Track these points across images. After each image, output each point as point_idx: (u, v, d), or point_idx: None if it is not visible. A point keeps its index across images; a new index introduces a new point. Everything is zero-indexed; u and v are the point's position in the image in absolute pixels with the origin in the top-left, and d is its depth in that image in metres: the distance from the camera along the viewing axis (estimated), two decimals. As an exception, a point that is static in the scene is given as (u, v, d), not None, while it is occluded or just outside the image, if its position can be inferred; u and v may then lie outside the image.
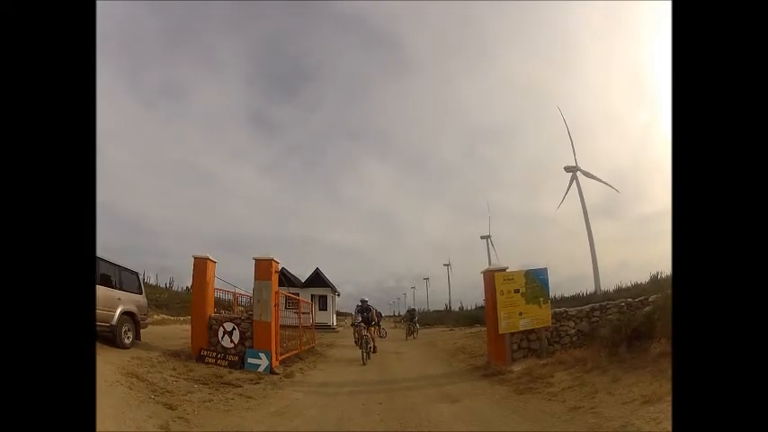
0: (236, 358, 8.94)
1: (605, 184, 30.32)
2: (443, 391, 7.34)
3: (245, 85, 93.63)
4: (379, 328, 23.54)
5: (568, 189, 30.32)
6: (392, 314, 60.22)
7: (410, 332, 21.54)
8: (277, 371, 8.84)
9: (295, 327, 12.86)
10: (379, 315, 25.65)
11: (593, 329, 8.96)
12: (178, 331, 12.67)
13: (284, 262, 12.27)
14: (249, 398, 6.68)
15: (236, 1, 71.47)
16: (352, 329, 25.00)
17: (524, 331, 9.13)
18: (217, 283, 10.72)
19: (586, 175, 30.12)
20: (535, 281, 9.35)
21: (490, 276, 9.49)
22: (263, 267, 9.63)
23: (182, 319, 17.05)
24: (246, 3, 78.75)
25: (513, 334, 9.08)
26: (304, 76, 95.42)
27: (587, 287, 28.04)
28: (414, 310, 25.74)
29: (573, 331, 9.28)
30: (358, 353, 11.65)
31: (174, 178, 79.79)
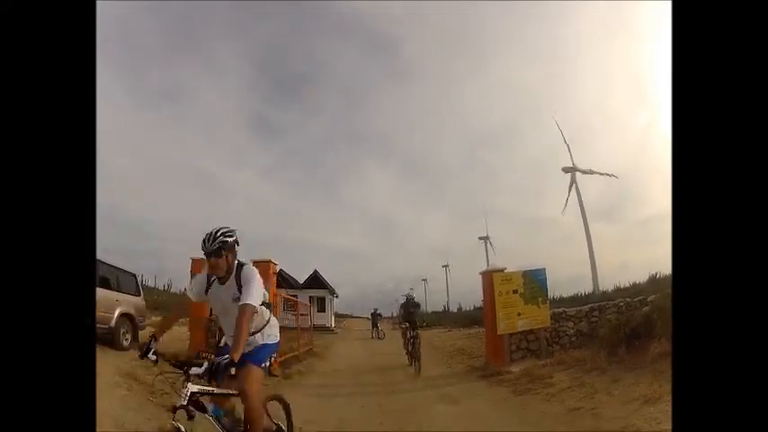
0: (235, 360, 8.91)
1: (604, 174, 30.52)
2: (442, 393, 7.33)
3: (246, 88, 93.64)
4: (378, 329, 23.50)
5: (570, 191, 30.45)
6: (390, 315, 60.14)
7: (413, 353, 10.19)
8: (275, 373, 8.82)
9: (293, 329, 12.85)
10: (378, 315, 25.49)
11: (591, 330, 8.97)
12: (176, 333, 12.62)
13: (282, 264, 12.16)
14: (248, 400, 6.65)
15: (237, 1, 71.49)
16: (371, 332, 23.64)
17: (523, 332, 9.13)
18: (215, 285, 10.69)
19: (585, 172, 30.28)
20: (533, 281, 9.35)
21: (488, 277, 9.48)
22: (261, 269, 9.57)
23: (180, 321, 16.98)
24: (247, 5, 78.79)
25: (511, 335, 9.07)
26: (305, 78, 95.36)
27: (586, 288, 28.16)
28: (416, 304, 11.89)
29: (572, 332, 9.29)
30: (356, 353, 11.01)
31: (174, 180, 79.71)
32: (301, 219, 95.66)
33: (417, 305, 11.86)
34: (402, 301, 12.70)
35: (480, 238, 43.32)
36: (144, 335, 9.89)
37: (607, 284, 26.10)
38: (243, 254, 3.22)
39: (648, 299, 8.63)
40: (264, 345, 3.24)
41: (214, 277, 3.09)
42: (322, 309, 27.97)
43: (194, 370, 2.56)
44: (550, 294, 10.82)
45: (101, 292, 8.07)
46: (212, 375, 2.64)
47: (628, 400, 5.14)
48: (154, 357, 2.82)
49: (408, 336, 10.59)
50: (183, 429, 2.53)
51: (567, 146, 30.89)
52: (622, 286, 22.16)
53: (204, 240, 2.92)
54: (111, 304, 8.49)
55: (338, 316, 37.24)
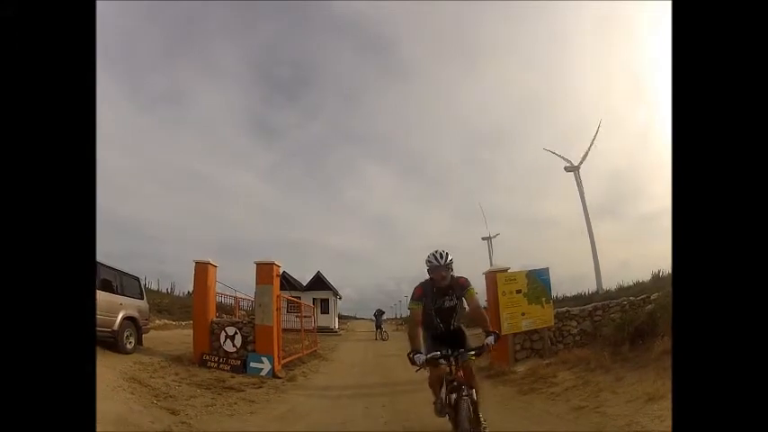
0: (239, 362, 8.93)
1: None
2: (446, 393, 7.31)
3: (245, 90, 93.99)
4: (381, 330, 23.35)
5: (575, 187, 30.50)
6: (394, 316, 60.12)
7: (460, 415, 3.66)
8: (279, 375, 8.81)
9: (297, 330, 12.85)
10: (380, 312, 25.29)
11: (595, 329, 8.94)
12: (180, 336, 12.65)
13: (285, 266, 12.13)
14: (252, 402, 6.66)
15: (235, 2, 71.70)
16: (375, 333, 22.54)
17: (527, 332, 9.10)
18: (218, 288, 10.73)
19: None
20: (537, 281, 9.32)
21: (492, 277, 9.46)
22: (265, 271, 9.62)
23: (183, 323, 17.03)
24: (245, 6, 79.02)
25: (515, 334, 9.05)
26: (303, 80, 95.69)
27: (589, 286, 28.10)
28: (461, 285, 4.11)
29: (575, 331, 9.26)
30: (359, 356, 10.20)
31: (175, 183, 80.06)
32: (302, 219, 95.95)
33: (464, 286, 4.11)
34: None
35: (483, 239, 43.35)
36: (147, 338, 9.92)
37: (610, 282, 26.03)
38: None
39: (652, 297, 8.60)
40: None
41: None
42: (325, 310, 27.93)
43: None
44: (553, 293, 10.77)
45: (104, 296, 8.09)
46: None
47: (632, 398, 5.13)
48: None
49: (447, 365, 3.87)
50: None
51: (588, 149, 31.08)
52: (625, 284, 22.06)
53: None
54: (115, 308, 8.51)
55: (341, 317, 37.19)
